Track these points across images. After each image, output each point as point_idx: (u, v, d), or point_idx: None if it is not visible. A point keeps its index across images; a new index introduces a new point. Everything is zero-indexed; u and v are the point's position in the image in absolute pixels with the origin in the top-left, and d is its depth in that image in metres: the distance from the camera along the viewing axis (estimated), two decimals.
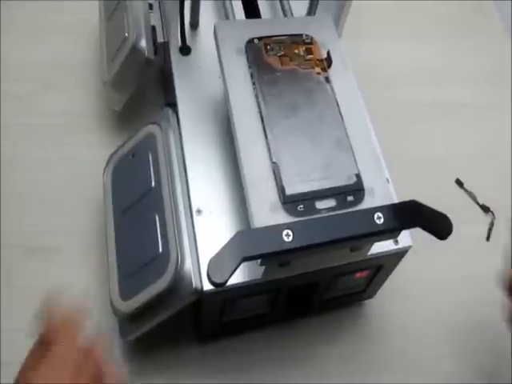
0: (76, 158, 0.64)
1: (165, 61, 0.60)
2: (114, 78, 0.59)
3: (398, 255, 0.47)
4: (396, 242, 0.46)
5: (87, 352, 0.37)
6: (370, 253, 0.46)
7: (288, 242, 0.38)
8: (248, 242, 0.38)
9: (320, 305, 0.54)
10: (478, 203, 0.65)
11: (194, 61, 0.55)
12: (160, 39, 0.59)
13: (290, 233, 0.38)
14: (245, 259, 0.38)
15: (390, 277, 0.52)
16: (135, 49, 0.56)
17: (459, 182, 0.66)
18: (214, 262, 0.38)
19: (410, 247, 0.46)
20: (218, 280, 0.37)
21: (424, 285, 0.60)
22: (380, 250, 0.46)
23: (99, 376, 0.37)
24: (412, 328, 0.58)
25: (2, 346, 0.52)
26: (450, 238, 0.60)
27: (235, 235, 0.38)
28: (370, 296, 0.56)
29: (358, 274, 0.49)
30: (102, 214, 0.54)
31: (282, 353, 0.55)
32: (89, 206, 0.60)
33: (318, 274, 0.46)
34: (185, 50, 0.55)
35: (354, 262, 0.46)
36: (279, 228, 0.38)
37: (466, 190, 0.65)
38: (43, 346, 0.36)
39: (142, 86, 0.66)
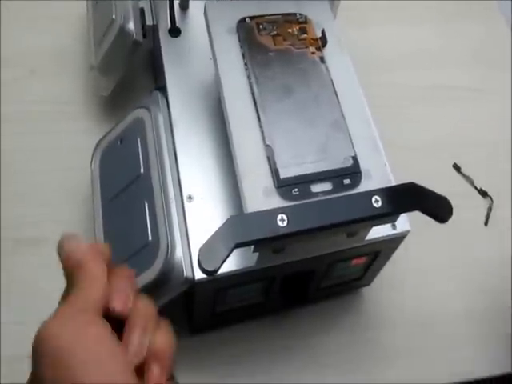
0: (63, 146, 0.62)
1: (154, 44, 0.58)
2: (102, 62, 0.57)
3: (396, 240, 0.46)
4: (394, 227, 0.45)
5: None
6: (367, 238, 0.44)
7: (283, 227, 0.36)
8: (240, 227, 0.37)
9: (316, 293, 0.53)
10: (475, 187, 0.64)
11: (184, 42, 0.53)
12: (149, 22, 0.57)
13: (285, 217, 0.37)
14: (237, 246, 0.36)
15: (386, 264, 0.51)
16: (123, 31, 0.54)
17: (456, 167, 0.64)
18: (205, 249, 0.36)
19: (408, 232, 0.45)
20: (210, 268, 0.36)
21: (421, 271, 0.59)
22: (377, 236, 0.44)
23: None
24: (411, 316, 0.56)
25: None
26: (447, 223, 0.60)
27: (227, 220, 0.37)
28: (367, 283, 0.55)
29: (355, 261, 0.48)
30: (90, 204, 0.52)
31: (277, 343, 0.53)
32: (77, 195, 0.59)
33: (313, 261, 0.45)
34: (174, 31, 0.53)
35: (350, 247, 0.44)
36: (273, 212, 0.37)
37: (463, 175, 0.64)
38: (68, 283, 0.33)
39: (131, 72, 0.64)
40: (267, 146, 0.41)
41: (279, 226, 0.37)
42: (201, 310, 0.49)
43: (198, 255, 0.36)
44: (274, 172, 0.40)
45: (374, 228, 0.44)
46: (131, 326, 0.32)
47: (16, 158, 0.61)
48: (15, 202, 0.58)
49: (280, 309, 0.54)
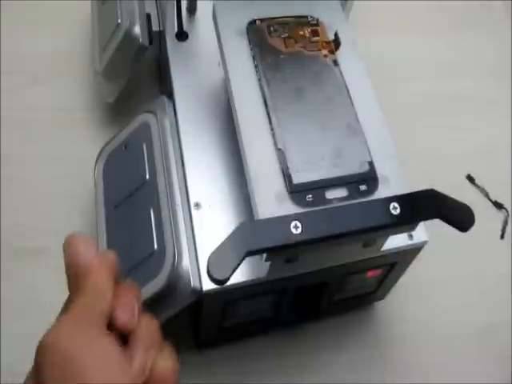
0: (65, 154, 0.60)
1: (160, 50, 0.56)
2: (106, 67, 0.55)
3: (413, 251, 0.44)
4: (410, 237, 0.43)
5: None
6: (383, 249, 0.42)
7: (296, 235, 0.35)
8: (252, 234, 0.35)
9: (328, 307, 0.50)
10: (490, 199, 0.62)
11: (192, 47, 0.51)
12: (155, 28, 0.55)
13: (299, 224, 0.35)
14: (249, 254, 0.34)
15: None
16: (128, 35, 0.52)
17: (470, 178, 0.63)
18: (215, 257, 0.34)
19: (425, 243, 0.43)
20: (220, 277, 0.34)
21: (436, 285, 0.56)
22: (394, 246, 0.42)
23: None
24: (426, 331, 0.54)
25: None
26: (461, 235, 0.58)
27: (238, 227, 0.35)
28: (381, 297, 0.53)
29: (370, 273, 0.46)
30: (93, 213, 0.50)
31: (287, 360, 0.51)
32: (79, 204, 0.57)
33: (327, 273, 0.43)
34: (182, 35, 0.52)
35: (366, 258, 0.42)
36: (287, 219, 0.35)
37: (477, 186, 0.62)
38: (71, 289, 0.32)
39: (136, 79, 0.63)
40: (279, 149, 0.39)
41: (293, 234, 0.35)
42: (208, 324, 0.47)
43: (207, 263, 0.34)
44: (287, 177, 0.38)
45: (390, 238, 0.42)
46: (135, 343, 0.31)
47: (17, 165, 0.59)
48: (15, 211, 0.56)
49: (291, 323, 0.52)
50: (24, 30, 0.69)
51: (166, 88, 0.55)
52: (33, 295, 0.52)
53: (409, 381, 0.51)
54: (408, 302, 0.55)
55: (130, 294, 0.33)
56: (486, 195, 0.62)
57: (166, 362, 0.32)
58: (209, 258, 0.34)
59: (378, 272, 0.46)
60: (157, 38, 0.56)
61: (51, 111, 0.63)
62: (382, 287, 0.50)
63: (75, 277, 0.32)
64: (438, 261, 0.56)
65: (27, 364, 0.30)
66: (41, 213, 0.57)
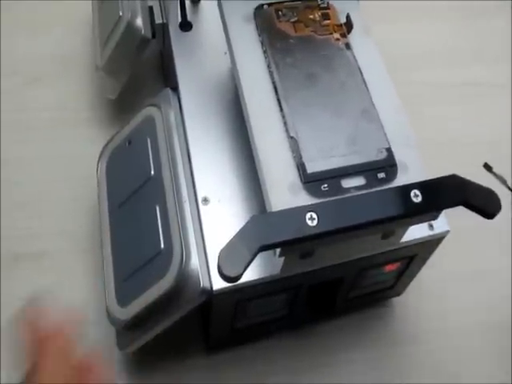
0: (67, 154, 0.58)
1: (164, 44, 0.55)
2: (108, 61, 0.53)
3: (434, 242, 0.42)
4: (431, 228, 0.40)
5: (81, 369, 0.32)
6: (402, 241, 0.40)
7: (312, 227, 0.32)
8: (266, 227, 0.32)
9: (343, 305, 0.48)
10: (509, 188, 0.59)
11: (196, 37, 0.49)
12: (158, 20, 0.53)
13: (315, 216, 0.32)
14: (262, 248, 0.32)
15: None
16: (130, 27, 0.51)
17: (487, 166, 0.60)
18: (226, 253, 0.32)
19: (447, 233, 0.41)
20: (232, 273, 0.31)
21: (453, 279, 0.54)
22: (413, 238, 0.40)
23: None
24: (449, 328, 0.52)
25: None
26: (478, 225, 0.55)
27: (250, 220, 0.32)
28: (399, 293, 0.51)
29: (388, 267, 0.44)
30: (96, 215, 0.48)
31: (301, 361, 0.49)
32: (83, 205, 0.55)
33: (344, 268, 0.41)
34: (185, 25, 0.50)
35: (384, 251, 0.40)
36: (302, 211, 0.33)
37: (495, 175, 0.60)
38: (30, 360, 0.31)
39: (139, 75, 0.61)
40: (291, 137, 0.37)
41: (309, 226, 0.32)
42: (219, 326, 0.45)
43: (218, 260, 0.31)
44: (300, 166, 0.36)
45: (410, 229, 0.39)
46: None
47: (17, 167, 0.57)
48: (16, 213, 0.54)
49: (305, 323, 0.50)
50: (23, 30, 0.67)
51: (170, 82, 0.53)
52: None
53: (431, 380, 0.49)
54: (427, 297, 0.53)
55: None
56: (505, 183, 0.60)
57: None
58: (219, 254, 0.32)
59: (396, 266, 0.44)
60: (160, 31, 0.54)
61: (52, 111, 0.62)
62: (399, 282, 0.48)
63: (33, 349, 0.32)
64: (458, 253, 0.53)
65: None
66: (42, 215, 0.55)
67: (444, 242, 0.43)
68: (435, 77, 0.68)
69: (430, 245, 0.42)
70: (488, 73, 0.70)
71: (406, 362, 0.50)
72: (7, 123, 0.60)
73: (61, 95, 0.63)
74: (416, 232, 0.40)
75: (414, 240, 0.40)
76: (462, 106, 0.66)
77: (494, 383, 0.50)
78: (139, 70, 0.61)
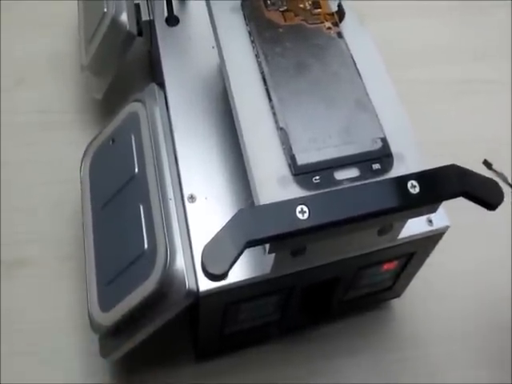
0: (51, 158, 0.56)
1: (151, 42, 0.53)
2: (93, 59, 0.52)
3: (433, 238, 0.39)
4: (430, 223, 0.38)
5: None
6: (400, 237, 0.38)
7: (303, 221, 0.30)
8: (253, 221, 0.30)
9: (339, 307, 0.46)
10: (509, 184, 0.57)
11: (183, 32, 0.48)
12: (145, 17, 0.52)
13: (306, 209, 0.30)
14: (249, 244, 0.30)
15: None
16: (115, 23, 0.49)
17: (487, 164, 0.58)
18: (210, 249, 0.30)
19: (447, 228, 0.39)
20: (216, 271, 0.29)
21: (455, 278, 0.52)
22: (411, 234, 0.38)
23: None
24: (449, 331, 0.49)
25: None
26: (478, 223, 0.52)
27: (236, 214, 0.30)
28: (397, 295, 0.48)
29: (386, 266, 0.41)
30: (81, 219, 0.46)
31: (296, 368, 0.46)
32: (67, 210, 0.53)
33: (339, 267, 0.39)
34: (172, 20, 0.48)
35: (381, 248, 0.38)
36: (292, 203, 0.31)
37: (495, 172, 0.58)
38: None
39: (127, 76, 0.59)
40: (281, 129, 0.35)
41: (299, 219, 0.30)
42: (207, 331, 0.43)
43: (202, 256, 0.29)
44: (290, 158, 0.34)
45: (408, 225, 0.37)
46: None
47: (2, 171, 0.55)
48: None
49: (298, 328, 0.47)
50: (9, 32, 0.65)
51: (157, 78, 0.51)
52: (21, 312, 0.48)
53: None
54: (428, 298, 0.50)
55: None
56: (505, 180, 0.58)
57: None
58: (203, 251, 0.29)
59: (394, 264, 0.42)
60: (147, 29, 0.52)
61: (36, 114, 0.60)
62: (398, 282, 0.45)
63: None
64: (459, 251, 0.52)
65: None
66: (26, 221, 0.53)
67: (444, 240, 0.41)
68: (433, 74, 0.66)
69: (429, 241, 0.40)
70: (487, 69, 0.68)
71: (406, 367, 0.47)
72: None
73: (45, 97, 0.61)
74: (414, 228, 0.38)
75: (413, 236, 0.38)
76: (461, 104, 0.65)
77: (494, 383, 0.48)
78: (127, 71, 0.59)
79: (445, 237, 0.41)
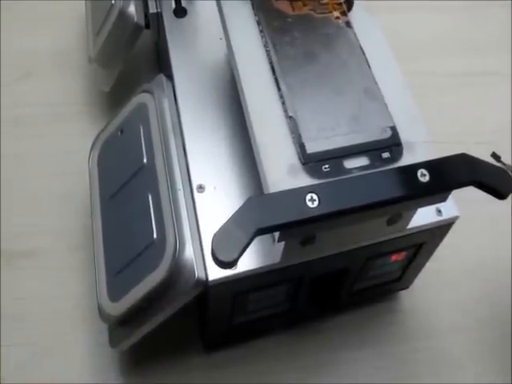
0: (59, 150, 0.57)
1: (159, 35, 0.53)
2: (101, 51, 0.52)
3: (442, 229, 0.39)
4: (439, 213, 0.38)
5: None
6: (408, 227, 0.38)
7: (313, 209, 0.30)
8: (263, 209, 0.30)
9: (348, 299, 0.46)
10: None
11: (191, 23, 0.48)
12: (153, 9, 0.52)
13: (315, 197, 0.30)
14: (259, 231, 0.30)
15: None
16: (123, 14, 0.49)
17: (495, 156, 0.58)
18: (221, 237, 0.30)
19: (456, 218, 0.39)
20: (226, 258, 0.29)
21: (463, 270, 0.52)
22: (421, 224, 0.38)
23: None
24: (456, 322, 0.49)
25: None
26: (484, 216, 0.53)
27: (246, 202, 0.30)
28: (406, 286, 0.48)
29: (395, 257, 0.41)
30: (89, 211, 0.46)
31: (303, 360, 0.46)
32: (76, 201, 0.53)
33: (348, 257, 0.39)
34: (180, 11, 0.48)
35: (390, 239, 0.38)
36: (301, 191, 0.31)
37: (503, 164, 0.57)
38: None
39: (135, 69, 0.60)
40: (290, 117, 0.35)
41: (309, 208, 0.30)
42: (216, 321, 0.43)
43: (212, 244, 0.29)
44: (300, 147, 0.34)
45: (417, 215, 0.37)
46: None
47: (9, 163, 0.56)
48: (8, 211, 0.53)
49: (307, 319, 0.47)
50: (18, 26, 0.66)
51: (165, 71, 0.51)
52: (28, 302, 0.48)
53: (442, 376, 0.47)
54: (436, 290, 0.50)
55: None
56: None
57: None
58: (213, 238, 0.29)
59: (403, 255, 0.42)
60: (155, 21, 0.52)
61: (45, 107, 0.60)
62: (406, 274, 0.45)
63: None
64: (468, 242, 0.52)
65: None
66: (35, 213, 0.53)
67: (452, 231, 0.41)
68: (436, 67, 0.66)
69: (438, 231, 0.40)
70: (489, 62, 0.68)
71: (414, 358, 0.47)
72: (1, 119, 0.58)
73: (53, 90, 0.61)
74: (424, 218, 0.38)
75: (422, 226, 0.38)
76: (463, 96, 0.64)
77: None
78: (133, 64, 0.59)
79: (453, 228, 0.41)
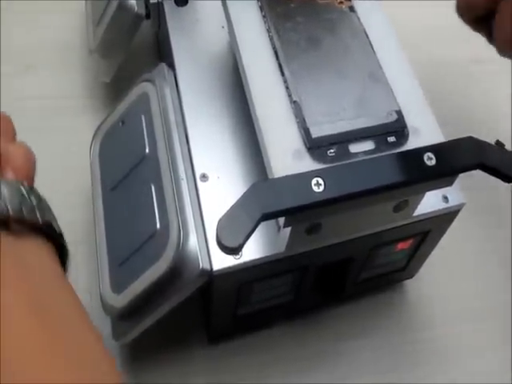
0: (60, 144, 0.56)
1: (160, 25, 0.53)
2: (101, 42, 0.51)
3: (449, 216, 0.39)
4: (446, 200, 0.38)
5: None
6: (415, 214, 0.37)
7: (319, 193, 0.30)
8: (268, 194, 0.30)
9: (353, 288, 0.45)
10: None
11: (192, 12, 0.47)
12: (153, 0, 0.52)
13: (321, 181, 0.30)
14: (264, 217, 0.29)
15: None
16: (123, 5, 0.48)
17: (499, 144, 0.57)
18: (225, 222, 0.29)
19: (462, 205, 0.38)
20: (231, 244, 0.29)
21: (468, 259, 0.51)
22: (427, 211, 0.38)
23: None
24: (462, 312, 0.49)
25: None
26: (491, 204, 0.52)
27: (251, 187, 0.30)
28: (411, 275, 0.48)
29: (400, 245, 0.41)
30: (91, 205, 0.46)
31: (309, 350, 0.46)
32: (79, 195, 0.52)
33: (353, 245, 0.38)
34: (181, 0, 0.48)
35: (397, 226, 0.37)
36: (307, 176, 0.30)
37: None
38: None
39: (136, 61, 0.59)
40: (294, 102, 0.34)
41: (315, 192, 0.30)
42: (221, 312, 0.42)
43: (217, 229, 0.29)
44: (305, 131, 0.33)
45: (423, 202, 0.37)
46: None
47: None
48: None
49: (312, 309, 0.47)
50: (19, 19, 0.65)
51: (166, 60, 0.51)
52: None
53: (447, 366, 0.46)
54: (441, 279, 0.50)
55: None
56: None
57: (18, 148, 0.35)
58: (218, 223, 0.29)
59: (408, 244, 0.41)
60: (155, 11, 0.52)
61: (46, 100, 0.59)
62: (412, 263, 0.45)
63: None
64: (473, 231, 0.52)
65: None
66: None
67: (458, 219, 0.41)
68: (440, 54, 0.65)
69: (444, 219, 0.39)
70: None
71: (419, 348, 0.47)
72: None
73: (56, 83, 0.60)
74: (430, 205, 0.38)
75: (428, 213, 0.38)
76: (469, 82, 0.64)
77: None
78: (134, 54, 0.59)
79: (458, 216, 0.40)
